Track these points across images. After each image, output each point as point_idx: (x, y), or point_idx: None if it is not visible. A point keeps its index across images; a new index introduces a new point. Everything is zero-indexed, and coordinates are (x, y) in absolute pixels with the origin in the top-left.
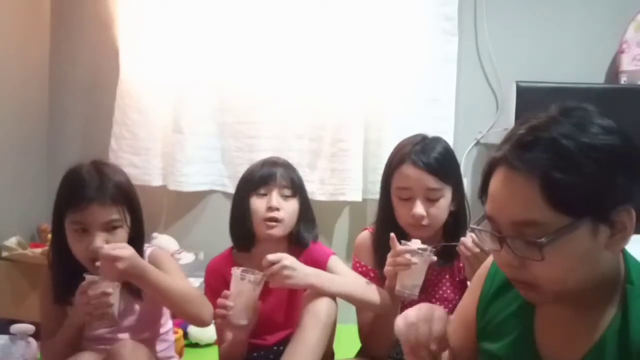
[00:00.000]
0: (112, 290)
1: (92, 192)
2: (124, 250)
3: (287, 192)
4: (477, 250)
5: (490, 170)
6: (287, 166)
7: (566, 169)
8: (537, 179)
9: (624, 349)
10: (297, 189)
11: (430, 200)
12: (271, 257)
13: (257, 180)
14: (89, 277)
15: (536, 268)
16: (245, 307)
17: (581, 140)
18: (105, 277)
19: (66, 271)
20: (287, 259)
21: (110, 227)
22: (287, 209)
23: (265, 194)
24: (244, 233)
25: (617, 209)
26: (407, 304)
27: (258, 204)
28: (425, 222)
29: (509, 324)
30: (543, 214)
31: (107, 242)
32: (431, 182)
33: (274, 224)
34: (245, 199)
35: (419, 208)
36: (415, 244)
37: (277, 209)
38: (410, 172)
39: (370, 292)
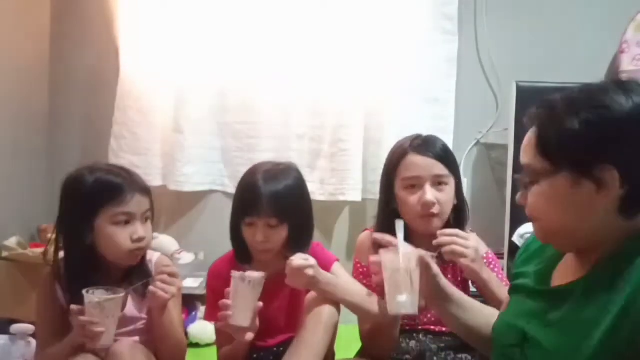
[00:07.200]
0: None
1: (131, 184)
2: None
3: (273, 221)
4: (452, 239)
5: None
6: (278, 184)
7: (553, 123)
8: (536, 129)
9: (614, 279)
10: (284, 216)
11: (439, 185)
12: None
13: (244, 207)
14: (87, 296)
15: (530, 203)
16: (245, 308)
17: (569, 96)
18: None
19: (82, 275)
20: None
21: (146, 217)
22: (273, 239)
23: (251, 224)
24: (241, 249)
25: (600, 167)
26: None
27: (247, 233)
28: (436, 209)
29: (531, 275)
30: (535, 160)
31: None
32: (438, 168)
33: (263, 250)
34: (238, 222)
35: (429, 194)
36: (403, 246)
37: (263, 241)
38: (417, 160)
39: (371, 303)
